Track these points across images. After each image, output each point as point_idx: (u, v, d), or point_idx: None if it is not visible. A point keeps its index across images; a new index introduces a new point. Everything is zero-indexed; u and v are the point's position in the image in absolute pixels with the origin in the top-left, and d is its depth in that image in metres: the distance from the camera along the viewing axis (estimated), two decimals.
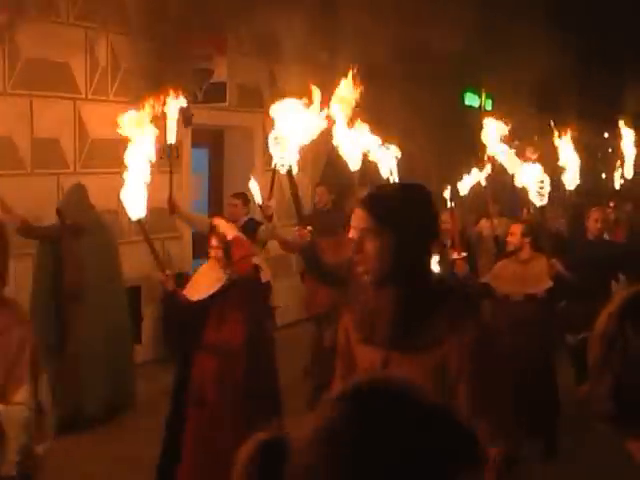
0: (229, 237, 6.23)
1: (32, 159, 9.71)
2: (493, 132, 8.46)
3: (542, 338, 7.73)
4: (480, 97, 19.19)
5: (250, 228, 8.13)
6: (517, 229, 7.98)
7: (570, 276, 7.75)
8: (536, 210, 8.13)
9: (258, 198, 8.11)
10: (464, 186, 9.07)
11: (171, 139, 7.67)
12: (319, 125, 5.16)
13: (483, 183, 9.36)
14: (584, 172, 10.53)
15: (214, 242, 6.29)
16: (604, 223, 9.22)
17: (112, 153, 8.49)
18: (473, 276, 8.23)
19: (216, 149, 12.74)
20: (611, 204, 12.80)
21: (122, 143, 6.42)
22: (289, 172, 5.23)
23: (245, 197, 8.95)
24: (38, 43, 9.57)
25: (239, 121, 12.30)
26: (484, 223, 11.09)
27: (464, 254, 7.81)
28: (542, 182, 7.44)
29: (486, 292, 7.77)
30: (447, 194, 8.37)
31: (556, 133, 9.76)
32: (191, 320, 6.31)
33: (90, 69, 10.38)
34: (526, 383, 7.01)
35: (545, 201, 7.48)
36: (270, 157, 5.70)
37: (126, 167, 6.10)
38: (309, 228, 5.56)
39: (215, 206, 12.03)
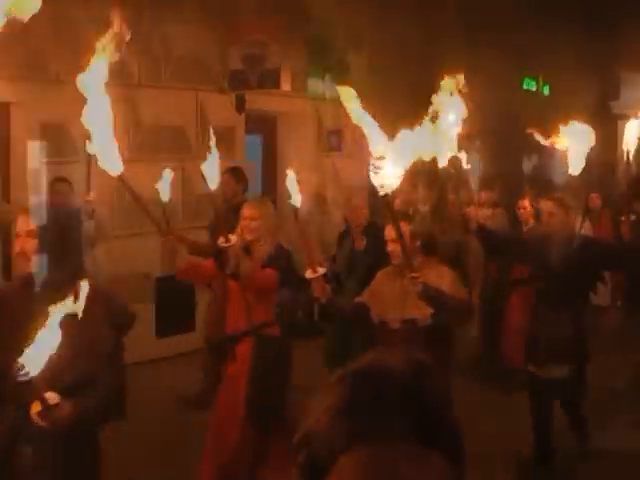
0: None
1: None
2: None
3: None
4: (537, 83, 19.20)
5: None
6: (391, 232, 5.58)
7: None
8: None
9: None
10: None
11: None
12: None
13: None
14: None
15: None
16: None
17: None
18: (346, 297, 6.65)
19: (270, 136, 12.72)
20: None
21: None
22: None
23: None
24: None
25: (292, 107, 12.25)
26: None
27: (321, 270, 5.64)
28: None
29: (358, 317, 5.96)
30: None
31: None
32: None
33: None
34: None
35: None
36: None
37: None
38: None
39: (268, 194, 12.01)
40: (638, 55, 18.44)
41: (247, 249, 6.13)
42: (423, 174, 10.57)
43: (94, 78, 4.37)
